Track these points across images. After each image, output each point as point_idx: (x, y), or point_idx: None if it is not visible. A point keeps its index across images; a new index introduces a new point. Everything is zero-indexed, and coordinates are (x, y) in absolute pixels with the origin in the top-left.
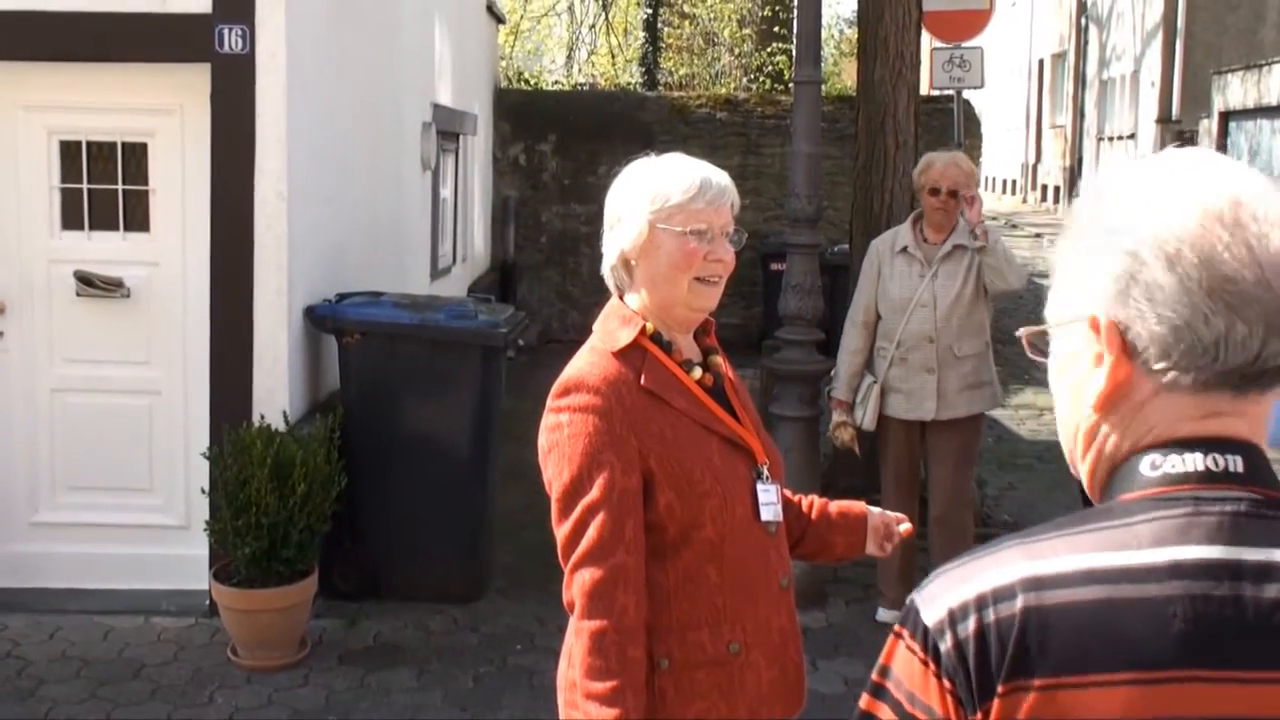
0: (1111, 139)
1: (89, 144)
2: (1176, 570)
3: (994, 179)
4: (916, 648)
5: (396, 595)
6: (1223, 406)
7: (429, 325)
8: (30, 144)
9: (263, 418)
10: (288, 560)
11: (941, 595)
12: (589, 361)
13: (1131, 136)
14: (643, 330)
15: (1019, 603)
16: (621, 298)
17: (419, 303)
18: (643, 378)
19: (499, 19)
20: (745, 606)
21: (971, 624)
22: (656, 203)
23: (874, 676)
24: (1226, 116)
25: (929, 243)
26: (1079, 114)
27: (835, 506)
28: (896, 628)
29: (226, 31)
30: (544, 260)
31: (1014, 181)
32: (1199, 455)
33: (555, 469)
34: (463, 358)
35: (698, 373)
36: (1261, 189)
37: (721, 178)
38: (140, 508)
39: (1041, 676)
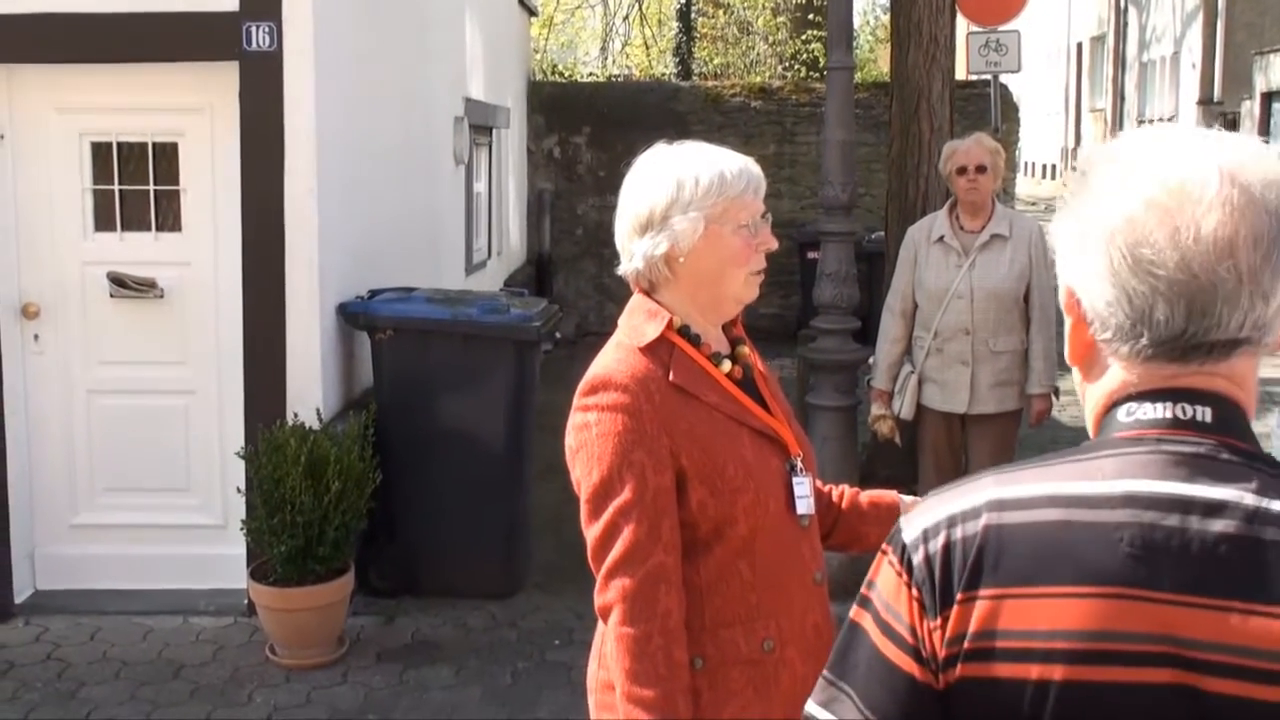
0: (1152, 121)
1: (120, 145)
2: (1130, 500)
3: (1033, 164)
4: (895, 561)
5: (434, 592)
6: (1179, 370)
7: (461, 320)
8: (62, 146)
9: (296, 416)
10: (323, 558)
11: (920, 516)
12: (616, 358)
13: (1173, 118)
14: (669, 324)
15: (982, 521)
16: (646, 293)
17: (451, 298)
18: (671, 373)
19: (531, 11)
20: (779, 603)
21: (941, 540)
22: (710, 197)
23: (862, 589)
24: (1269, 97)
25: (966, 230)
26: (1119, 97)
27: (866, 496)
28: (884, 545)
29: (254, 29)
30: (580, 253)
31: (1053, 166)
32: (1168, 404)
33: (584, 469)
34: (496, 352)
35: (727, 365)
36: (1224, 167)
37: (754, 163)
38: (177, 508)
39: (994, 587)
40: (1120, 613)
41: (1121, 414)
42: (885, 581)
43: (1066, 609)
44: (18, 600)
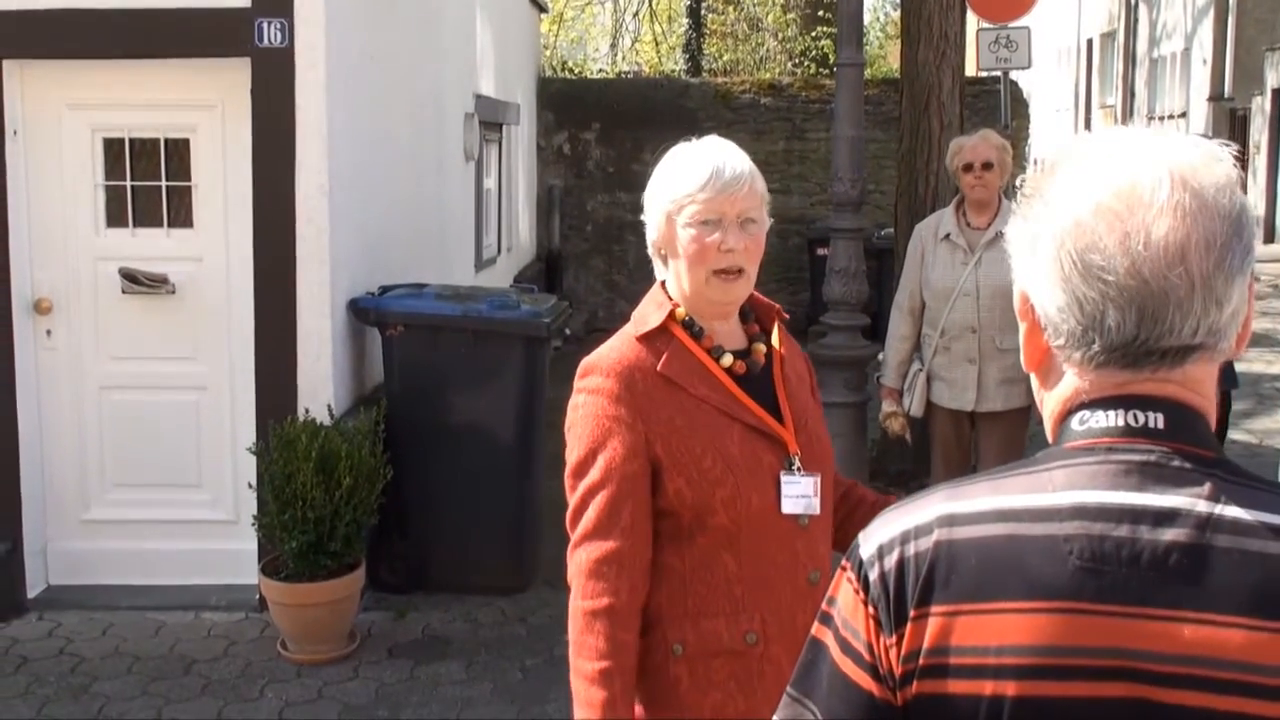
0: (1162, 118)
1: (132, 140)
2: (1079, 512)
3: (1043, 160)
4: (853, 578)
5: (444, 587)
6: (1131, 377)
7: (472, 316)
8: (75, 142)
9: (307, 411)
10: (335, 554)
11: (877, 532)
12: (611, 345)
13: (1183, 115)
14: (671, 315)
15: (934, 537)
16: (664, 284)
17: (462, 294)
18: (662, 362)
19: (541, 8)
20: (765, 598)
21: (894, 556)
22: (669, 195)
23: (823, 606)
24: None
25: (972, 227)
26: (1129, 93)
27: None
28: (844, 561)
29: (266, 25)
30: (590, 249)
31: (1046, 162)
32: (1119, 412)
33: (569, 447)
34: (506, 348)
35: (728, 359)
36: (1175, 171)
37: (737, 164)
38: (189, 503)
39: (946, 603)
40: (1071, 627)
41: (1074, 423)
42: (844, 598)
43: (1017, 624)
44: (30, 595)
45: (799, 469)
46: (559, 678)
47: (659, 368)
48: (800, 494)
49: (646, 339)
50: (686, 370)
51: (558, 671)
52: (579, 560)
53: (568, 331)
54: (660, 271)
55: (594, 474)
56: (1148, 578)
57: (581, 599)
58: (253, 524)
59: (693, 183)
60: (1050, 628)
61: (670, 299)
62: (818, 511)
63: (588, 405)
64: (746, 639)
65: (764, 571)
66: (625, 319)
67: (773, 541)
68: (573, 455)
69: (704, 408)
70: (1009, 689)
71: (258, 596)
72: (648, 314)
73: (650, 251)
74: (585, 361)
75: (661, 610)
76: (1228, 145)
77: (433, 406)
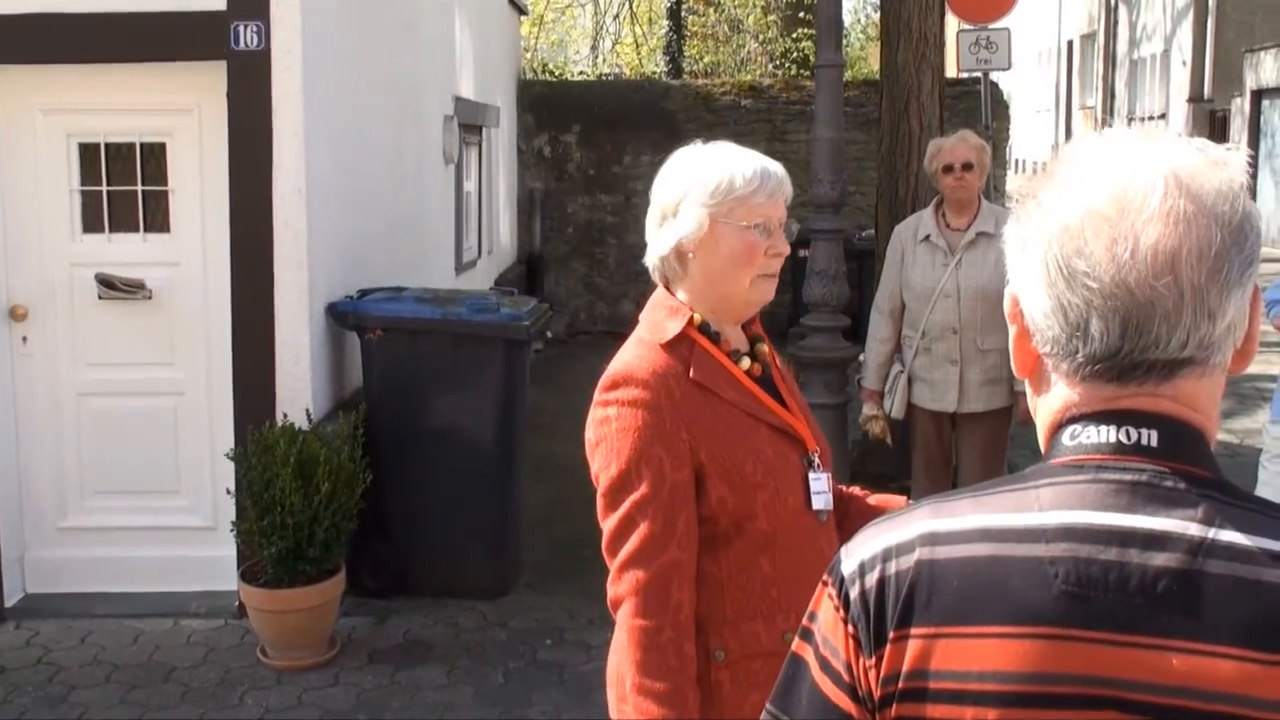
0: (1142, 119)
1: (107, 145)
2: (1066, 533)
3: (1023, 161)
4: (834, 594)
5: (425, 592)
6: (1119, 391)
7: (451, 320)
8: (49, 147)
9: (286, 416)
10: (314, 559)
11: (859, 548)
12: (636, 354)
13: (1163, 116)
14: (690, 321)
15: (915, 556)
16: (668, 288)
17: (441, 297)
18: (691, 369)
19: (521, 10)
20: (799, 596)
21: (875, 575)
22: (717, 195)
23: (804, 620)
24: (1259, 95)
25: (952, 228)
26: (1109, 95)
27: (875, 499)
28: (825, 577)
29: (241, 28)
30: (570, 252)
31: (1044, 164)
32: (1112, 428)
33: (603, 462)
34: (486, 352)
35: (746, 363)
36: (1173, 174)
37: (778, 168)
38: (167, 510)
39: (927, 625)
40: (1055, 654)
41: (1065, 437)
42: (825, 615)
43: (999, 649)
44: (8, 604)
45: (819, 465)
46: (541, 682)
47: (691, 375)
48: (822, 490)
49: (670, 346)
50: (715, 376)
51: (540, 676)
52: (635, 577)
53: (548, 334)
54: (675, 276)
55: (643, 487)
56: (1136, 604)
57: (643, 617)
58: (231, 530)
59: (745, 185)
60: (1033, 654)
61: (683, 305)
62: (832, 507)
63: (624, 417)
64: (785, 638)
65: (796, 570)
66: (606, 321)
67: (803, 540)
68: (611, 470)
69: (735, 412)
70: (990, 715)
71: (237, 603)
72: (662, 321)
73: (665, 255)
74: (613, 373)
75: (702, 618)
76: (1236, 149)
77: (413, 410)
